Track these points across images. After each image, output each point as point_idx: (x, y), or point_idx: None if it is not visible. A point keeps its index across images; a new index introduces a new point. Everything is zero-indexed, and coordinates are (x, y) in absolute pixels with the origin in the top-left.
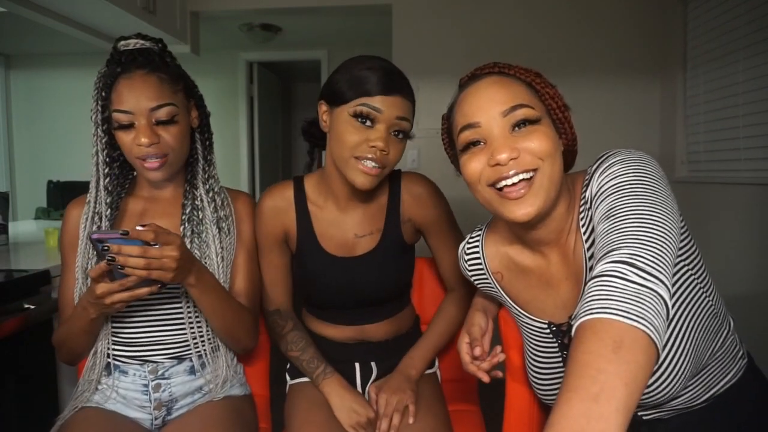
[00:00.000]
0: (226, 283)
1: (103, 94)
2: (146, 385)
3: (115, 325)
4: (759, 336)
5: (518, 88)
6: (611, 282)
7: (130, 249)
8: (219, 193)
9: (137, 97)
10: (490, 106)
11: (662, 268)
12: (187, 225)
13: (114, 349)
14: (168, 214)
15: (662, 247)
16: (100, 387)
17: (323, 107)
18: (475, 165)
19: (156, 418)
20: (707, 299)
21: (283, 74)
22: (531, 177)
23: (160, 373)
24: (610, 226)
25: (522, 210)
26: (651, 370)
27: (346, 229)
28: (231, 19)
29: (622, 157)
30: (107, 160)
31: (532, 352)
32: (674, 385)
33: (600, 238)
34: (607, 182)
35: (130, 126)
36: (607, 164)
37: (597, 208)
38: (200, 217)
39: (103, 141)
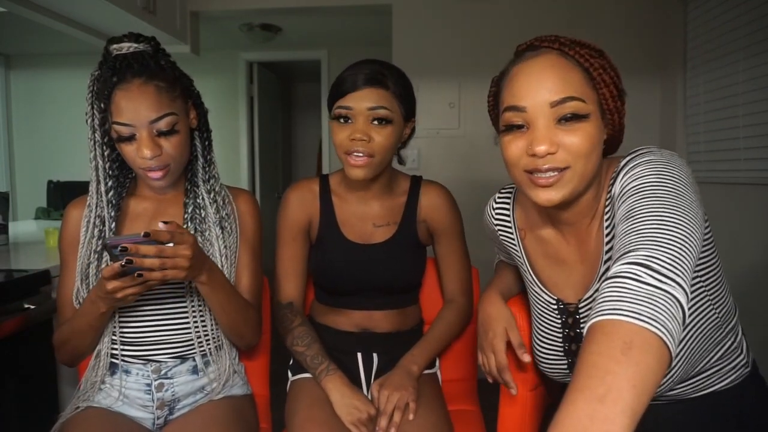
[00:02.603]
0: (231, 281)
1: (102, 105)
2: (149, 385)
3: (119, 324)
4: (758, 335)
5: (574, 76)
6: (624, 283)
7: (146, 249)
8: (219, 192)
9: (136, 109)
10: (540, 93)
11: (680, 271)
12: (189, 224)
13: (117, 349)
14: (169, 214)
15: (681, 250)
16: (102, 387)
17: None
18: (514, 149)
19: (158, 418)
20: (713, 311)
21: (283, 74)
22: (562, 170)
23: (163, 372)
24: (629, 228)
25: (546, 196)
26: (663, 373)
27: (366, 219)
28: (231, 19)
29: (649, 157)
30: (105, 163)
31: (536, 324)
32: (660, 387)
33: (618, 239)
34: (630, 183)
35: (131, 137)
36: (633, 164)
37: (619, 208)
38: (203, 215)
39: (101, 145)
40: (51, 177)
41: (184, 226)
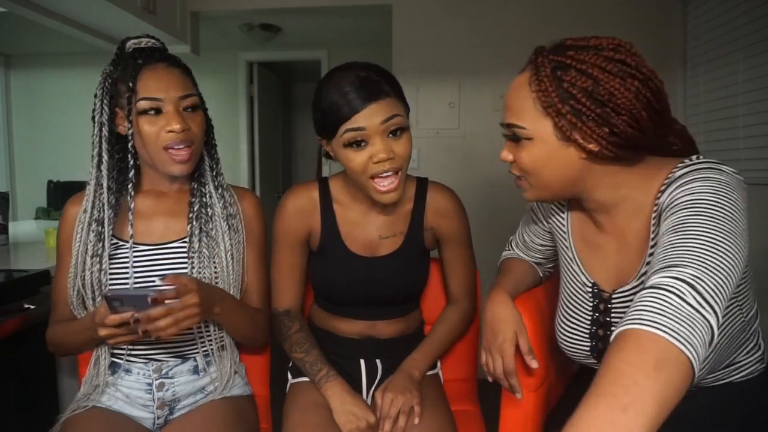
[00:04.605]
0: (237, 281)
1: (130, 84)
2: (150, 384)
3: None
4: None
5: (527, 101)
6: (668, 298)
7: (156, 313)
8: (227, 189)
9: (166, 85)
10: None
11: (720, 298)
12: (195, 223)
13: (119, 348)
14: (172, 213)
15: (726, 277)
16: (105, 388)
17: (323, 141)
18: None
19: (158, 418)
20: (741, 317)
21: (283, 74)
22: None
23: (164, 372)
24: (679, 240)
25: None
26: (683, 394)
27: (371, 230)
28: (231, 19)
29: (709, 174)
30: (111, 159)
31: (565, 303)
32: None
33: (664, 248)
34: (684, 196)
35: (156, 114)
36: (691, 177)
37: (667, 217)
38: (209, 214)
39: (108, 140)
40: (51, 177)
41: (189, 226)
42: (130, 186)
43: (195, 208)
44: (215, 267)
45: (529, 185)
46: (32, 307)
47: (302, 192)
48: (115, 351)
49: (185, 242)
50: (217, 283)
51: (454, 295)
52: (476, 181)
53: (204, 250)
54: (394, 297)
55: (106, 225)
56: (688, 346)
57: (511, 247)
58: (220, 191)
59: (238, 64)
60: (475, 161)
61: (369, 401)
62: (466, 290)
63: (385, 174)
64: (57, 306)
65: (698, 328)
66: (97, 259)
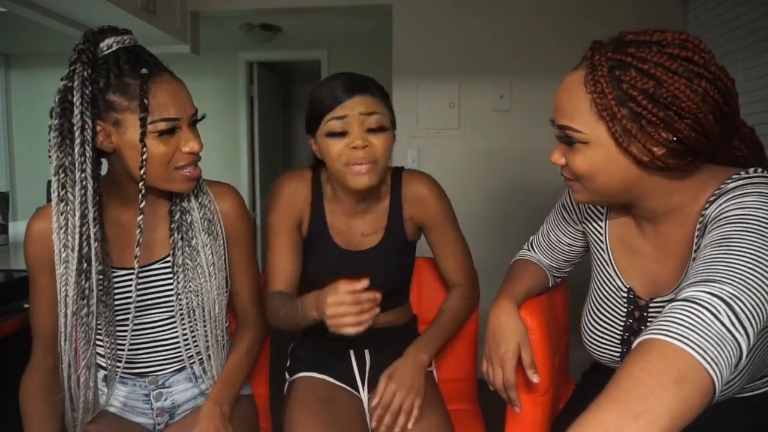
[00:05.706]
0: (222, 289)
1: (145, 102)
2: (147, 395)
3: (111, 346)
4: None
5: (582, 102)
6: (701, 313)
7: None
8: (207, 193)
9: (182, 103)
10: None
11: (756, 321)
12: (176, 235)
13: (112, 365)
14: (148, 229)
15: (766, 300)
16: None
17: (310, 140)
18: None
19: (159, 424)
20: None
21: (283, 74)
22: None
23: (160, 383)
24: (722, 254)
25: (576, 197)
26: (698, 414)
27: (354, 228)
28: (231, 19)
29: (765, 189)
30: (95, 185)
31: (596, 307)
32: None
33: (704, 261)
34: (734, 209)
35: (170, 133)
36: (744, 191)
37: (713, 229)
38: (189, 221)
39: (93, 160)
40: (51, 177)
41: (171, 239)
42: (142, 201)
43: (176, 218)
44: (200, 278)
45: (582, 188)
46: None
47: (295, 176)
48: (112, 369)
49: (166, 262)
50: (201, 294)
51: (451, 281)
52: (476, 181)
53: (188, 261)
54: (379, 289)
55: (101, 259)
56: (714, 366)
57: (531, 247)
58: (201, 199)
59: (238, 64)
60: (475, 161)
61: (364, 393)
62: (463, 272)
63: (360, 162)
64: (37, 341)
65: (727, 350)
66: (103, 295)
